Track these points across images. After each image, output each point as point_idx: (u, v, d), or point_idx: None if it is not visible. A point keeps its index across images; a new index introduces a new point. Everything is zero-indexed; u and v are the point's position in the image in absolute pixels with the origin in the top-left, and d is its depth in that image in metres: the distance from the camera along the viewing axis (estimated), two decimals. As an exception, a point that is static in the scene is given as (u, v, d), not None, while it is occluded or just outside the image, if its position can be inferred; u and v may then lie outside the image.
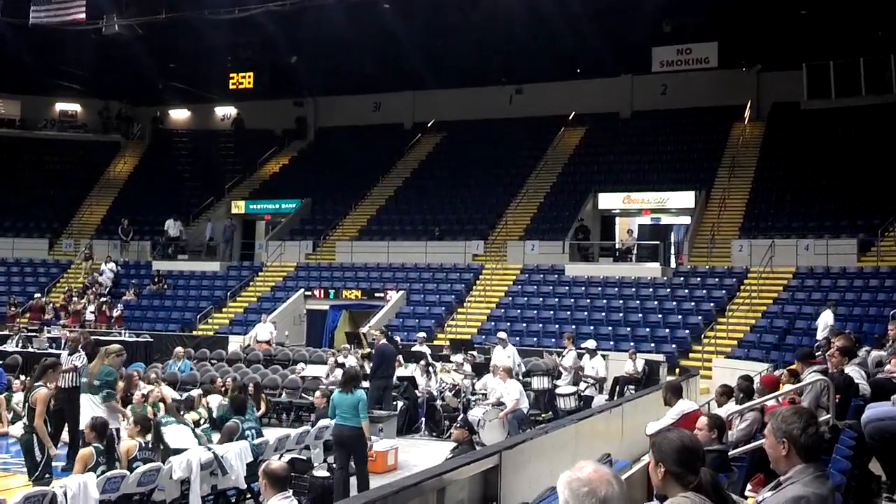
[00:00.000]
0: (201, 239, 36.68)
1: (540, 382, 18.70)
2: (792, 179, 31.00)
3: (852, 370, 9.51)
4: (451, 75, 37.97)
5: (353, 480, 12.32)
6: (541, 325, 26.63)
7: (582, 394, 18.33)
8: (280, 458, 11.86)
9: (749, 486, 8.08)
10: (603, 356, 20.65)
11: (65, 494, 9.20)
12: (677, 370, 22.64)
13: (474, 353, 21.42)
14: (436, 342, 25.07)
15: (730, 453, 8.22)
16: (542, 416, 17.94)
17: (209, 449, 11.45)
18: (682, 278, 28.37)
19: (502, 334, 20.64)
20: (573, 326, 25.64)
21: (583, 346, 20.26)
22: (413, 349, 21.51)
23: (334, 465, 12.52)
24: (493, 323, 27.08)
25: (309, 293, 30.48)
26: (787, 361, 18.07)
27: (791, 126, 33.66)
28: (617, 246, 31.98)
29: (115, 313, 29.22)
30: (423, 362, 19.54)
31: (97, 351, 18.20)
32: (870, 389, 9.15)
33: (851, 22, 31.30)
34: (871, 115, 31.48)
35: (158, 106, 45.34)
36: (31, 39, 33.60)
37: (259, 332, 26.03)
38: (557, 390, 18.12)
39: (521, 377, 18.51)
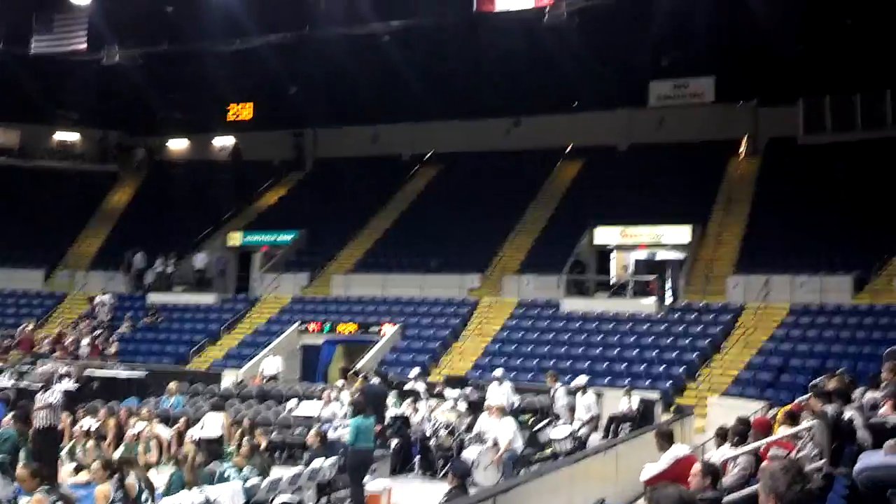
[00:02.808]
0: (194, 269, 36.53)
1: (543, 435, 18.51)
2: (787, 215, 30.92)
3: (853, 413, 9.44)
4: (450, 107, 38.11)
5: None
6: (536, 361, 26.48)
7: (576, 435, 18.19)
8: (272, 501, 11.82)
9: (743, 533, 8.03)
10: (597, 394, 20.50)
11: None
12: (672, 408, 22.54)
13: (469, 390, 21.29)
14: (431, 378, 24.93)
15: (724, 500, 8.18)
16: (539, 453, 17.78)
17: (201, 492, 11.36)
18: (677, 314, 28.31)
19: (498, 371, 20.55)
20: (568, 362, 25.58)
21: (573, 383, 20.07)
22: (406, 387, 21.38)
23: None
24: (488, 358, 26.99)
25: (303, 328, 30.36)
26: (782, 400, 18.01)
27: (787, 161, 33.72)
28: (612, 281, 31.94)
29: (112, 349, 29.02)
30: (410, 399, 19.49)
31: (90, 385, 18.19)
32: (869, 437, 9.06)
33: (847, 58, 31.55)
34: (866, 151, 31.52)
35: (157, 136, 45.42)
36: (32, 69, 33.76)
37: (266, 366, 25.77)
38: (551, 434, 17.97)
39: (517, 416, 18.40)
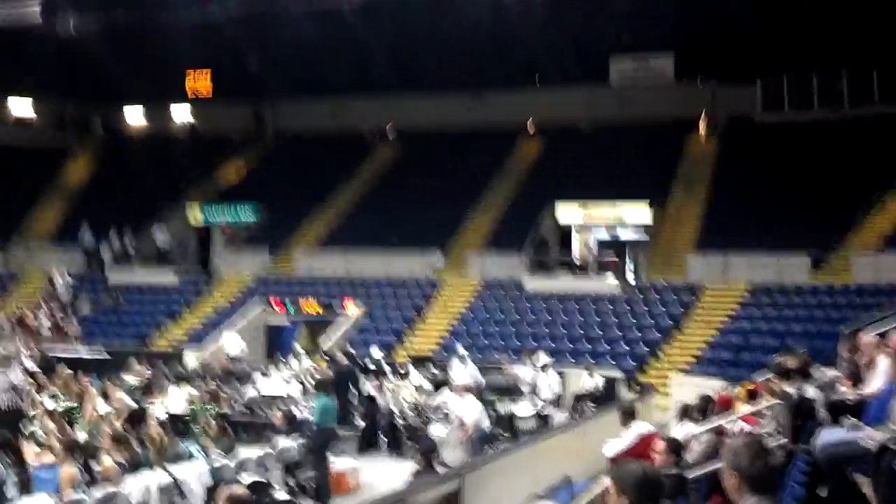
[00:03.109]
0: (153, 246, 36.09)
1: (504, 406, 18.65)
2: (746, 194, 31.18)
3: (813, 392, 9.63)
4: (413, 81, 37.75)
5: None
6: (502, 342, 26.64)
7: (542, 413, 18.38)
8: (240, 481, 11.83)
9: (707, 509, 8.20)
10: (559, 372, 20.63)
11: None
12: (635, 386, 22.82)
13: (434, 371, 21.35)
14: (397, 357, 25.00)
15: (687, 476, 8.34)
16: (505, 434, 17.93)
17: (168, 472, 11.36)
18: (639, 293, 28.56)
19: (462, 350, 20.65)
20: (534, 343, 25.72)
21: (537, 362, 20.20)
22: (371, 366, 21.41)
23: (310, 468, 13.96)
24: (453, 337, 27.08)
25: (268, 307, 30.20)
26: (742, 378, 18.28)
27: (745, 140, 33.95)
28: (575, 260, 32.13)
29: (74, 330, 28.66)
30: (373, 377, 19.52)
31: (54, 367, 17.97)
32: (827, 413, 9.26)
33: (805, 38, 31.83)
34: (823, 131, 31.90)
35: (113, 108, 44.47)
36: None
37: (227, 344, 25.53)
38: (515, 411, 18.15)
39: (482, 395, 18.52)
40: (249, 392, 19.66)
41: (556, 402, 19.05)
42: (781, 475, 7.47)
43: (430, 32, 33.93)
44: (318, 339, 27.09)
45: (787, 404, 8.99)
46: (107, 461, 10.72)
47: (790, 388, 9.80)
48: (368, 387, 19.18)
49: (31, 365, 18.98)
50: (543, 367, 19.20)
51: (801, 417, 9.05)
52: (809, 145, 32.07)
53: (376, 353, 23.08)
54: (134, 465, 10.98)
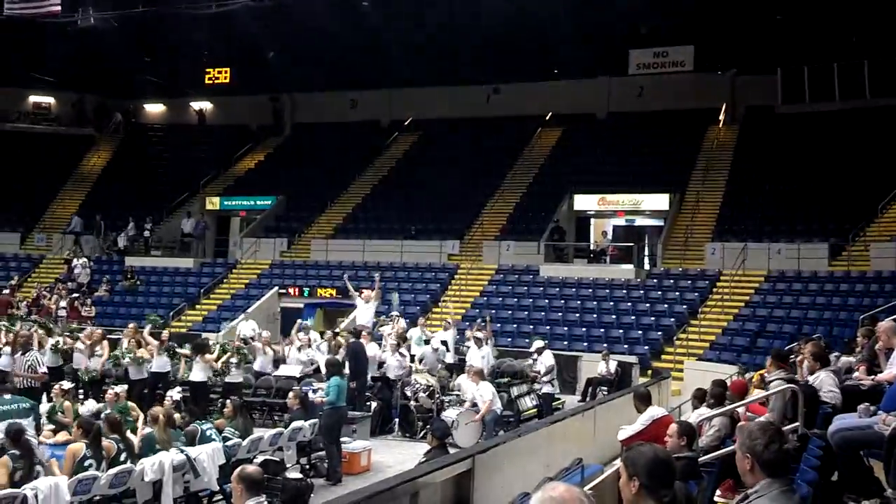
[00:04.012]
0: (176, 235, 36.46)
1: (520, 390, 18.67)
2: (765, 183, 31.22)
3: (826, 377, 9.59)
4: (430, 74, 37.93)
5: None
6: (515, 326, 26.70)
7: (539, 392, 18.44)
8: (253, 461, 11.89)
9: (719, 492, 8.18)
10: (555, 354, 20.46)
11: (35, 496, 9.17)
12: (650, 372, 22.80)
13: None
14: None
15: (699, 460, 8.31)
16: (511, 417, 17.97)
17: (181, 451, 11.41)
18: (655, 280, 28.53)
19: (478, 334, 20.65)
20: (547, 327, 25.77)
21: (532, 348, 20.11)
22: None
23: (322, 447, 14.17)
24: (467, 323, 27.09)
25: (283, 291, 30.37)
26: (757, 364, 18.25)
27: (765, 130, 33.87)
28: (592, 247, 32.12)
29: (88, 312, 28.89)
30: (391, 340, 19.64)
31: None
32: (840, 398, 9.23)
33: (826, 28, 31.60)
34: (844, 121, 31.72)
35: (133, 100, 45.05)
36: (6, 31, 33.29)
37: (242, 329, 25.66)
38: (514, 392, 18.24)
39: (495, 379, 18.55)
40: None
41: (550, 377, 18.95)
42: (794, 460, 7.45)
43: (448, 24, 33.89)
44: (333, 322, 27.12)
45: (797, 391, 8.94)
46: (105, 441, 10.80)
47: (783, 375, 9.78)
48: (386, 355, 19.25)
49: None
50: (539, 351, 19.14)
51: (811, 401, 9.02)
52: (829, 135, 31.90)
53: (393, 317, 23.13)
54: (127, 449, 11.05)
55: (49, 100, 43.77)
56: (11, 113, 42.47)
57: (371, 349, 18.97)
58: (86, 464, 10.17)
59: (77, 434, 10.78)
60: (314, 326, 23.76)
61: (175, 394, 15.90)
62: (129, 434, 11.90)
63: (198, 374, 17.22)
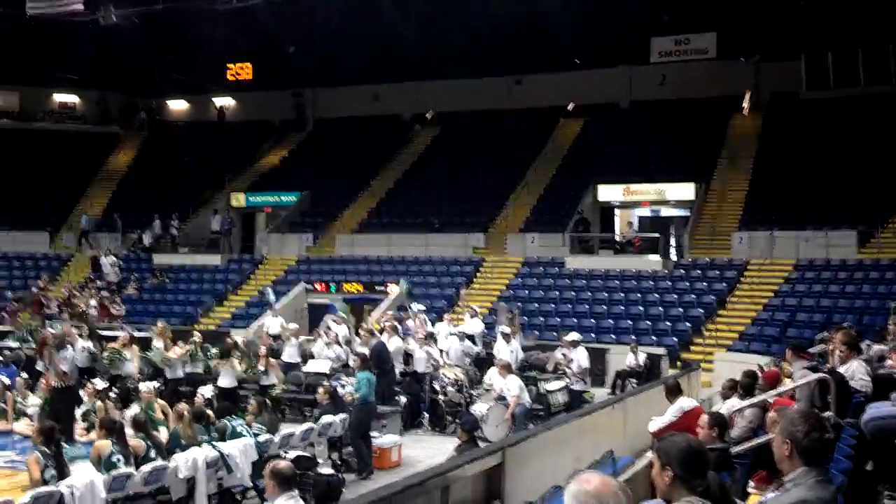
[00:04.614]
0: (202, 232, 36.65)
1: (551, 385, 18.62)
2: (791, 170, 30.92)
3: (858, 365, 9.53)
4: (451, 67, 37.95)
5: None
6: (542, 319, 26.60)
7: (572, 388, 18.38)
8: (285, 456, 11.96)
9: (752, 483, 8.14)
10: (586, 348, 20.40)
11: (72, 494, 9.27)
12: (678, 363, 22.69)
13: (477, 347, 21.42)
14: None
15: (732, 451, 8.27)
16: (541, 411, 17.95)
17: (214, 447, 11.50)
18: (682, 271, 28.36)
19: (506, 328, 20.62)
20: (574, 320, 25.69)
21: (565, 338, 20.05)
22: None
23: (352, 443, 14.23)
24: (494, 316, 27.08)
25: (310, 287, 30.45)
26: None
27: (790, 117, 33.63)
28: (617, 238, 32.00)
29: (118, 310, 29.08)
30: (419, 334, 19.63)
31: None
32: (871, 386, 9.16)
33: (850, 12, 31.31)
34: (870, 106, 31.40)
35: (157, 97, 45.34)
36: (29, 31, 33.55)
37: (270, 325, 25.77)
38: (546, 387, 18.17)
39: (524, 372, 18.54)
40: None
41: (583, 376, 18.89)
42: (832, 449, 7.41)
43: (468, 16, 33.86)
44: (359, 317, 27.16)
45: (830, 381, 8.88)
46: (133, 440, 10.91)
47: (807, 365, 9.72)
48: (414, 346, 19.30)
49: (88, 344, 19.29)
50: (574, 344, 19.06)
51: (841, 390, 8.95)
52: (855, 121, 31.62)
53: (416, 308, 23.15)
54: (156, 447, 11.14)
55: (73, 98, 44.11)
56: (37, 112, 42.82)
57: (393, 343, 19.01)
58: (113, 458, 10.26)
59: (101, 435, 10.86)
60: (346, 320, 23.69)
61: (207, 391, 16.04)
62: (154, 432, 11.99)
63: (224, 379, 17.16)
